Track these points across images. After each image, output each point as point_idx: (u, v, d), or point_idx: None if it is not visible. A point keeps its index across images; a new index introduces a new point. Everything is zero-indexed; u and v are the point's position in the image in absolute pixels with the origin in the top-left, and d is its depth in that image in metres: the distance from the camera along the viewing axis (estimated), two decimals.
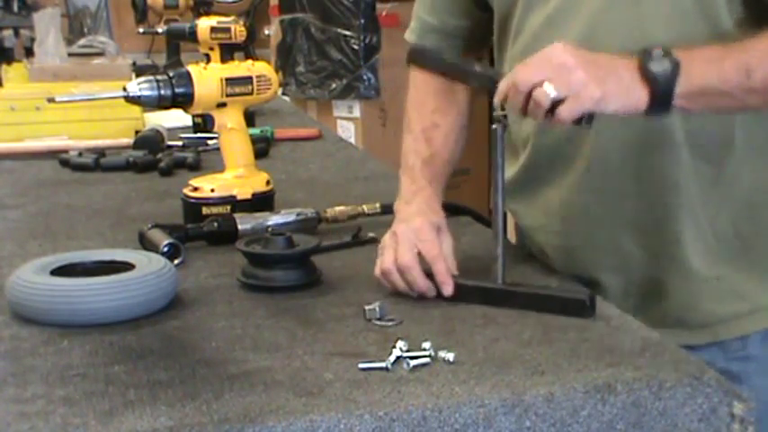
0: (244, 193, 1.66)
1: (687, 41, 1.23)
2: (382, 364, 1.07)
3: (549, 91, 1.13)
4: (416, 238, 1.33)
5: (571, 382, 1.04)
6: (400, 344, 1.11)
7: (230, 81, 1.63)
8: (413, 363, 1.08)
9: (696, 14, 1.26)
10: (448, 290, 1.29)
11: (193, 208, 1.65)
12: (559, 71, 1.14)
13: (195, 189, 1.66)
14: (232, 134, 1.66)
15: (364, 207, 1.67)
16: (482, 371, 1.07)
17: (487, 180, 3.54)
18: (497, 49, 1.48)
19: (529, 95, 1.15)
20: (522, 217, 1.54)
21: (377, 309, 1.22)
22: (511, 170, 1.44)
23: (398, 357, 1.09)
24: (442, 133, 1.50)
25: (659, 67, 1.15)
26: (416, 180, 1.44)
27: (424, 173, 1.45)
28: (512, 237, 1.69)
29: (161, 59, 3.55)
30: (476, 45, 1.55)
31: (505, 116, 1.22)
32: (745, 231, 1.37)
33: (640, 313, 1.36)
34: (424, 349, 1.10)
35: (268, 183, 1.70)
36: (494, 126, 1.24)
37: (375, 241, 1.56)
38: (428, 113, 1.51)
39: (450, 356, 1.09)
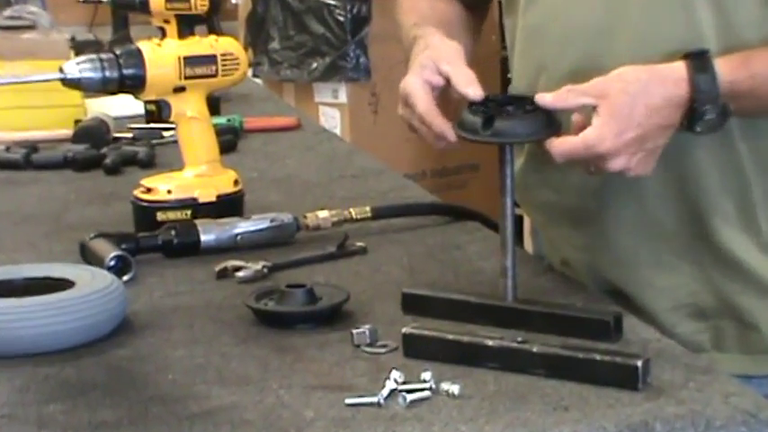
0: (207, 195, 1.66)
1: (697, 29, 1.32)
2: (373, 399, 1.08)
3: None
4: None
5: (600, 420, 1.04)
6: (395, 374, 1.11)
7: (189, 60, 1.63)
8: (410, 397, 1.08)
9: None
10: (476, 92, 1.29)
11: (146, 213, 1.65)
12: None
13: (148, 190, 1.66)
14: (192, 124, 1.67)
15: (351, 211, 1.67)
16: (493, 407, 1.07)
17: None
18: (506, 13, 1.53)
19: None
20: (532, 198, 1.54)
21: (367, 333, 1.23)
22: (518, 161, 1.47)
23: (392, 391, 1.09)
24: (447, 10, 1.56)
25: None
26: (423, 27, 1.47)
27: (431, 22, 1.48)
28: (528, 246, 1.69)
29: (105, 34, 3.55)
30: (476, 3, 1.61)
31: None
32: None
33: (688, 331, 1.37)
34: (424, 381, 1.11)
35: (236, 183, 1.70)
36: None
37: (364, 252, 1.57)
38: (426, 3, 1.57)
39: (455, 389, 1.09)
